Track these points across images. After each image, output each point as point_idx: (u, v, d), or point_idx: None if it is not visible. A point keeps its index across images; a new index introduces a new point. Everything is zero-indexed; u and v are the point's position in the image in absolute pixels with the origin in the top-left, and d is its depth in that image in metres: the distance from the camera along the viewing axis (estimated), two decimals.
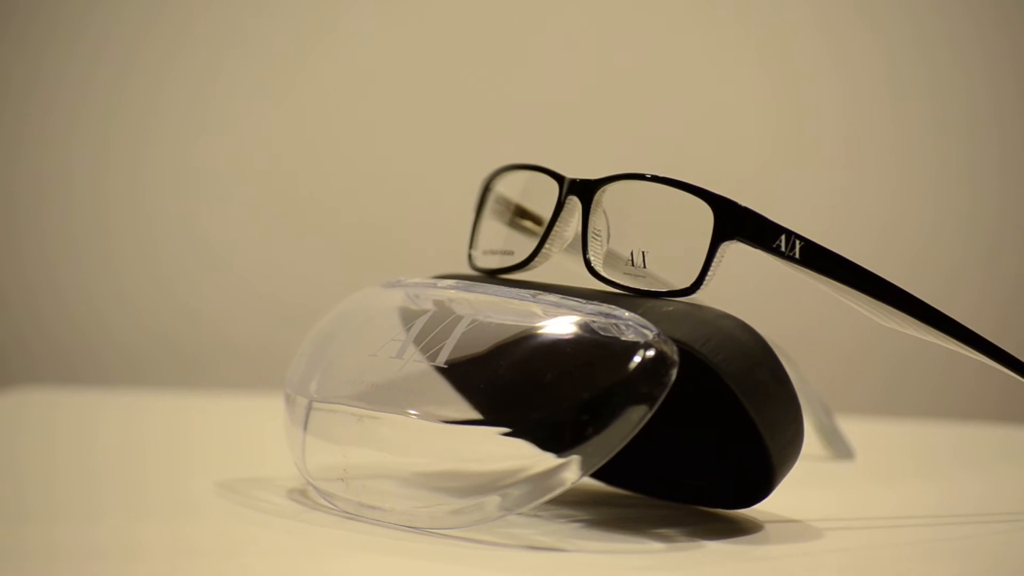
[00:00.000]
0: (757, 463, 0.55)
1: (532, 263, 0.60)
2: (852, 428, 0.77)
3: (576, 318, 0.54)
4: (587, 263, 0.58)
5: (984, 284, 1.09)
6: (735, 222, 0.55)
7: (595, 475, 0.64)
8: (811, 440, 0.73)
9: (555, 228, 0.59)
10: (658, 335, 0.51)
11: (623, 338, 0.52)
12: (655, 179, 0.57)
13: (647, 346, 0.51)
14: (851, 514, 0.62)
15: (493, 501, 0.52)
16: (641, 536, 0.54)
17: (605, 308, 0.53)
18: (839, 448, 0.75)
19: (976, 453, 0.79)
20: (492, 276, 0.61)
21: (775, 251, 0.55)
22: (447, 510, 0.53)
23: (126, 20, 1.06)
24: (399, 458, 0.55)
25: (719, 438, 0.57)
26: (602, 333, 0.52)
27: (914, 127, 1.10)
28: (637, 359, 0.51)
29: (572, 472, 0.51)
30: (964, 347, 0.57)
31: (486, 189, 0.63)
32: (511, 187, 0.64)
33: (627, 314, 0.53)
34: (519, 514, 0.55)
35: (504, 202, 0.63)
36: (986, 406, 0.93)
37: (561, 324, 0.54)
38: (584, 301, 0.54)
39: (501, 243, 0.63)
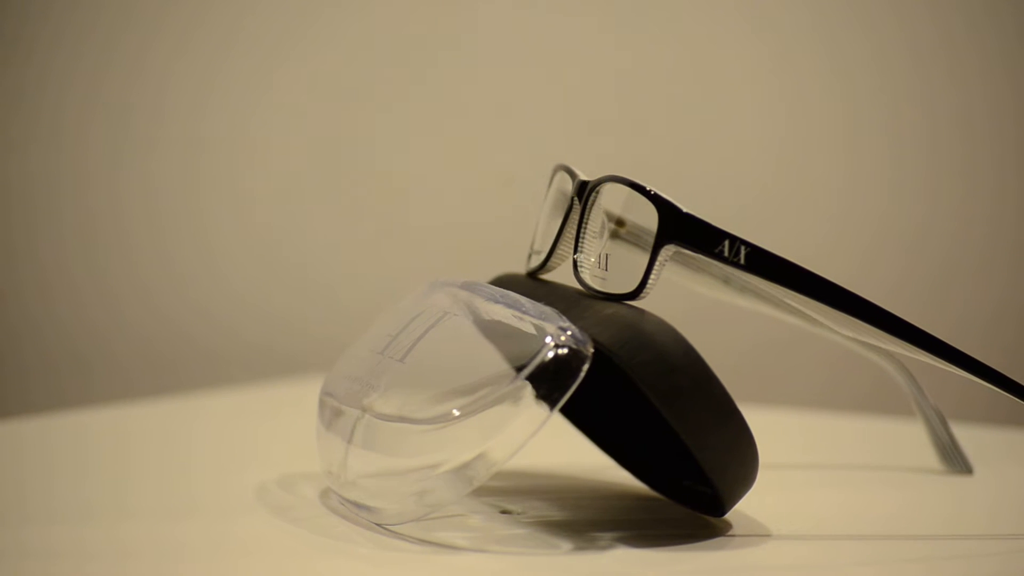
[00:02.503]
0: (694, 470, 0.55)
1: (548, 264, 0.61)
2: (851, 427, 0.73)
3: (506, 319, 0.55)
4: (573, 263, 0.58)
5: (977, 283, 1.07)
6: (675, 226, 0.55)
7: (644, 480, 0.64)
8: (928, 454, 0.70)
9: (566, 228, 0.60)
10: (575, 340, 0.52)
11: (532, 342, 0.53)
12: (618, 180, 0.57)
13: (555, 347, 0.52)
14: (841, 524, 0.60)
15: (421, 496, 0.54)
16: (565, 538, 0.55)
17: (546, 310, 0.54)
18: (956, 463, 0.71)
19: (980, 456, 0.73)
20: (529, 277, 0.63)
21: (718, 256, 0.54)
22: (394, 508, 0.55)
23: (136, 20, 1.06)
24: (362, 453, 0.58)
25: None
26: (517, 334, 0.54)
27: (910, 126, 1.07)
28: (536, 362, 0.52)
29: (484, 467, 0.53)
30: (927, 355, 0.54)
31: (549, 189, 0.64)
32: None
33: (560, 318, 0.53)
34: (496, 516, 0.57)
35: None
36: (981, 406, 0.86)
37: (490, 325, 0.55)
38: (534, 303, 0.55)
39: (540, 244, 0.64)
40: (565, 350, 0.52)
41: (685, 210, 0.54)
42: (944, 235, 1.07)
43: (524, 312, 0.55)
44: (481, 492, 0.61)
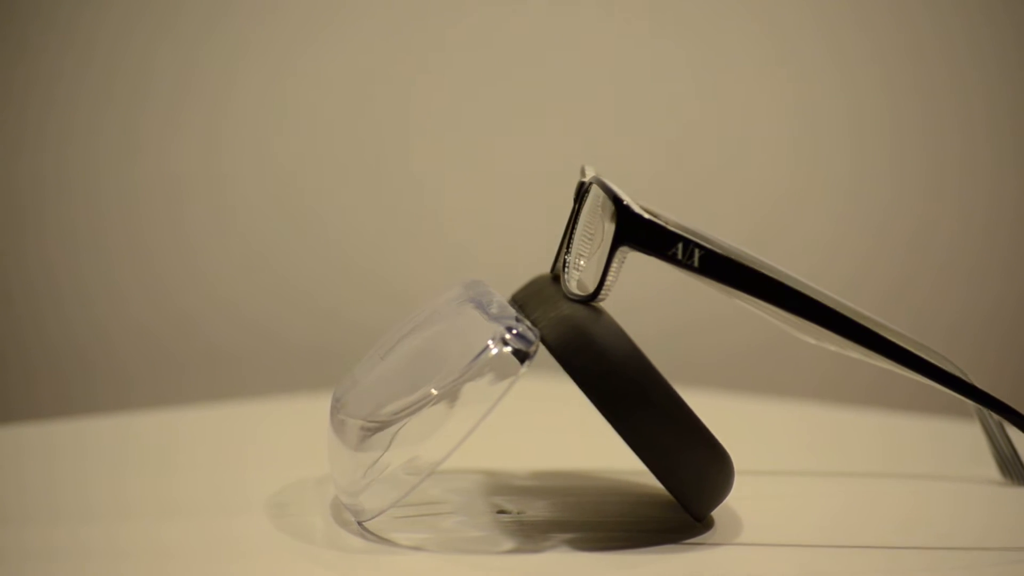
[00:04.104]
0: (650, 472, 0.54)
1: (557, 265, 0.61)
2: (854, 420, 0.70)
3: (470, 318, 0.56)
4: (563, 263, 0.58)
5: (975, 281, 1.06)
6: (629, 228, 0.54)
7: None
8: (991, 466, 0.68)
9: (568, 229, 0.59)
10: (520, 340, 0.52)
11: (480, 341, 0.53)
12: (597, 182, 0.57)
13: (497, 347, 0.52)
14: (841, 533, 0.57)
15: (368, 495, 0.55)
16: (523, 539, 0.55)
17: (507, 311, 0.55)
18: (1016, 475, 0.68)
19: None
20: (552, 276, 0.63)
21: (671, 259, 0.54)
22: (359, 505, 0.56)
23: (150, 14, 1.03)
24: (340, 449, 0.59)
25: None
26: (475, 333, 0.54)
27: (911, 127, 1.07)
28: (477, 362, 0.53)
29: (421, 466, 0.53)
30: (889, 362, 0.52)
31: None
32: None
33: (513, 319, 0.54)
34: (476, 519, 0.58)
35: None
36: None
37: (458, 324, 0.56)
38: (501, 304, 0.56)
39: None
40: (508, 348, 0.52)
41: (641, 213, 0.54)
42: (944, 234, 1.06)
43: (485, 312, 0.55)
44: (492, 491, 0.62)
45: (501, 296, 0.58)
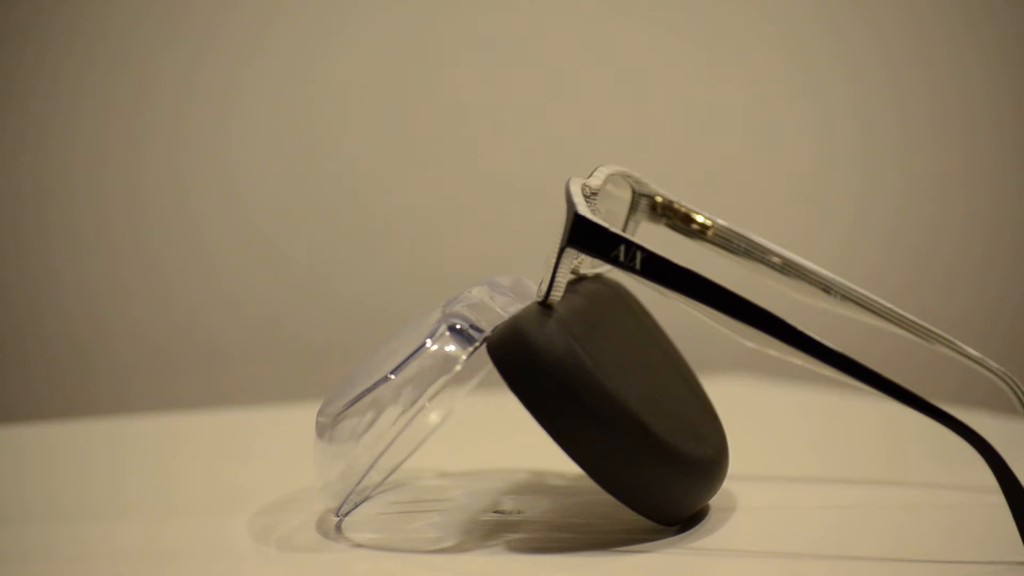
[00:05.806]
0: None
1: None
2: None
3: (433, 317, 0.56)
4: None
5: (978, 287, 1.07)
6: (574, 230, 0.54)
7: None
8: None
9: None
10: (461, 338, 0.53)
11: (418, 340, 0.54)
12: (566, 186, 0.57)
13: (434, 345, 0.53)
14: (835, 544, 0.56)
15: (330, 492, 0.56)
16: (485, 538, 0.55)
17: (464, 309, 0.55)
18: None
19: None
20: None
21: (614, 261, 0.53)
22: (328, 503, 0.57)
23: (151, 21, 1.02)
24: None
25: None
26: (418, 332, 0.55)
27: (918, 131, 1.08)
28: (414, 361, 0.53)
29: (363, 461, 0.54)
30: (833, 370, 0.51)
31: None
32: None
33: (464, 319, 0.54)
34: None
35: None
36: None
37: (426, 322, 0.57)
38: (465, 303, 0.56)
39: None
40: (451, 347, 0.53)
41: (585, 215, 0.53)
42: (950, 234, 1.06)
43: (444, 310, 0.56)
44: (505, 491, 0.62)
45: (487, 294, 0.57)
